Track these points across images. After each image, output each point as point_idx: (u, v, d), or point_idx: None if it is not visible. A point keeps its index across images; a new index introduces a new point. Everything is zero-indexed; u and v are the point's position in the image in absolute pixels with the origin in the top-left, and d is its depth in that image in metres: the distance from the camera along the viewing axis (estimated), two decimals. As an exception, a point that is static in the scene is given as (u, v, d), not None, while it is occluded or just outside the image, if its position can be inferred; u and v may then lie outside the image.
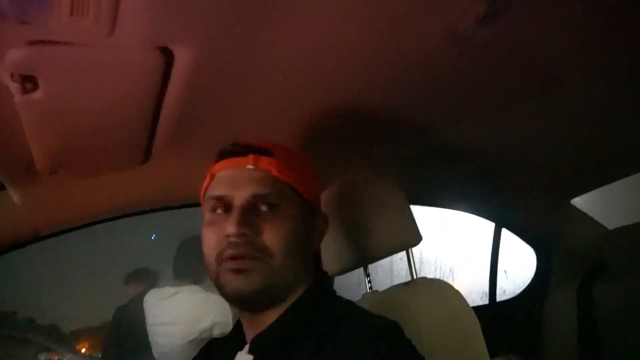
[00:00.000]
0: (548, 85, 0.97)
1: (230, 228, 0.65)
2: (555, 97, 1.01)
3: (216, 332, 1.92)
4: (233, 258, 0.65)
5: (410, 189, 1.31)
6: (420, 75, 0.87)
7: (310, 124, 0.98)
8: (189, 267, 2.03)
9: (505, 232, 1.79)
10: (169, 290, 2.01)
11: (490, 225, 1.78)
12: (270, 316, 0.70)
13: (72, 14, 0.53)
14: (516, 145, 1.30)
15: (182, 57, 0.66)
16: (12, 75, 0.61)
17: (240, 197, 0.68)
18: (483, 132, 1.19)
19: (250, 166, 0.70)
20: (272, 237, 0.66)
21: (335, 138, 1.05)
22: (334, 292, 0.77)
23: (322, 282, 0.77)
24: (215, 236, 0.68)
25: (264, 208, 0.68)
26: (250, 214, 0.67)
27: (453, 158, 1.33)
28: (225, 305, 1.97)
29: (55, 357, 5.19)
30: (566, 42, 0.83)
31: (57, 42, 0.58)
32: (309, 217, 0.74)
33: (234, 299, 0.68)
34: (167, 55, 0.65)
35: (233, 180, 0.70)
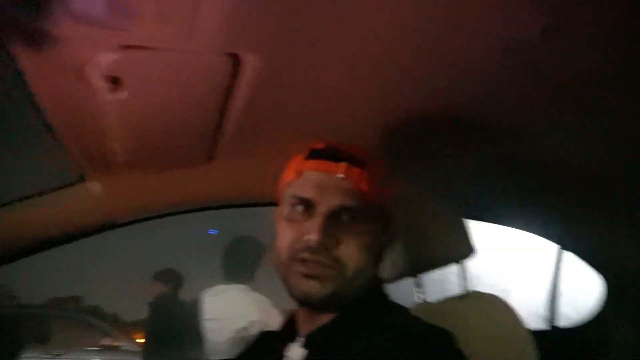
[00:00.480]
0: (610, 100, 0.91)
1: (313, 235, 0.66)
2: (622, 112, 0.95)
3: (254, 331, 1.98)
4: (306, 261, 0.67)
5: (470, 203, 1.28)
6: (481, 84, 0.85)
7: (372, 128, 0.98)
8: (237, 266, 2.10)
9: (568, 255, 1.69)
10: (218, 287, 2.10)
11: (552, 246, 1.69)
12: (328, 315, 0.72)
13: (157, 21, 0.59)
14: (586, 162, 1.23)
15: (249, 62, 0.70)
16: (102, 76, 0.69)
17: (326, 204, 0.69)
18: (549, 146, 1.14)
19: (341, 175, 0.70)
20: (349, 250, 0.68)
21: (396, 143, 1.05)
22: (388, 297, 0.78)
23: (380, 287, 0.78)
24: (294, 235, 0.70)
25: (345, 218, 0.69)
26: (332, 223, 0.68)
27: (517, 173, 1.28)
28: (265, 306, 2.03)
29: (115, 344, 5.52)
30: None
31: (143, 47, 0.64)
32: (384, 230, 0.75)
33: (302, 302, 0.71)
34: (236, 61, 0.69)
35: (321, 185, 0.70)
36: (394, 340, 0.64)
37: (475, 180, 1.31)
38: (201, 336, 2.06)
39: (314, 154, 0.74)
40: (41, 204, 1.02)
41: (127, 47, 0.64)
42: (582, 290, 1.79)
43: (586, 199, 1.41)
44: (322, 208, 0.68)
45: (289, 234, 0.70)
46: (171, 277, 2.96)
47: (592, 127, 1.02)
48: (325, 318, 0.72)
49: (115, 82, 0.70)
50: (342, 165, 0.71)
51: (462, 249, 0.95)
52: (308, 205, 0.70)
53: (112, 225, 1.13)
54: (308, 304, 0.70)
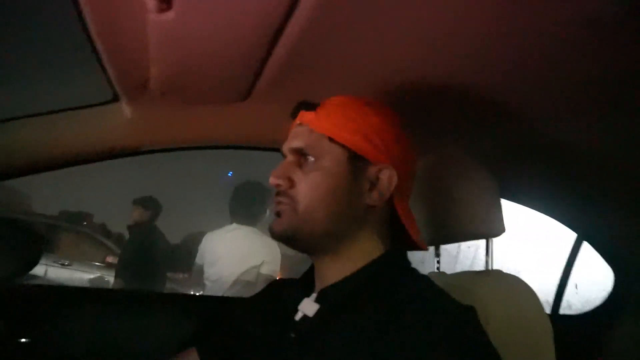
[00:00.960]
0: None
1: (270, 178, 0.74)
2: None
3: (264, 271, 2.02)
4: (276, 203, 0.74)
5: (498, 179, 1.25)
6: (539, 62, 0.80)
7: (414, 91, 0.94)
8: (244, 209, 2.13)
9: (584, 245, 1.67)
10: (230, 226, 2.13)
11: (569, 234, 1.66)
12: (335, 268, 0.72)
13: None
14: (622, 153, 1.18)
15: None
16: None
17: (285, 151, 0.76)
18: (588, 131, 1.09)
19: (298, 122, 0.77)
20: (301, 186, 0.71)
21: (436, 111, 1.01)
22: (410, 263, 0.76)
23: (399, 251, 0.76)
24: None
25: (301, 161, 0.74)
26: (292, 167, 0.74)
27: (549, 156, 1.24)
28: (275, 248, 2.07)
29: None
30: None
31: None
32: (357, 169, 0.72)
33: (271, 237, 0.75)
34: None
35: (290, 136, 0.78)
36: (412, 309, 0.62)
37: (506, 159, 1.28)
38: (168, 267, 2.15)
39: (293, 112, 0.79)
40: (73, 119, 1.00)
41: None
42: (591, 281, 1.79)
43: (607, 190, 1.37)
44: (285, 154, 0.76)
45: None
46: (150, 204, 3.05)
47: (622, 121, 0.98)
48: (337, 274, 0.71)
49: (164, 0, 0.66)
50: (301, 113, 0.77)
51: (491, 226, 0.93)
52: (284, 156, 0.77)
53: (138, 152, 1.12)
54: (277, 240, 0.74)
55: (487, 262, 0.96)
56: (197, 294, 2.21)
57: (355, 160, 0.72)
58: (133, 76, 0.88)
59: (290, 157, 0.74)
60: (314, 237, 0.71)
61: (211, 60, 0.81)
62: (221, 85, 0.92)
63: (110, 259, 5.74)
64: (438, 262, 1.08)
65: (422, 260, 1.34)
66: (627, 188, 1.33)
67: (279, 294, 0.84)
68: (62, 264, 5.32)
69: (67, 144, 1.04)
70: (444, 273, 1.04)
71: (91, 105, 1.00)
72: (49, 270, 5.17)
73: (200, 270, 2.11)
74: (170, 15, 0.68)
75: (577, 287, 1.78)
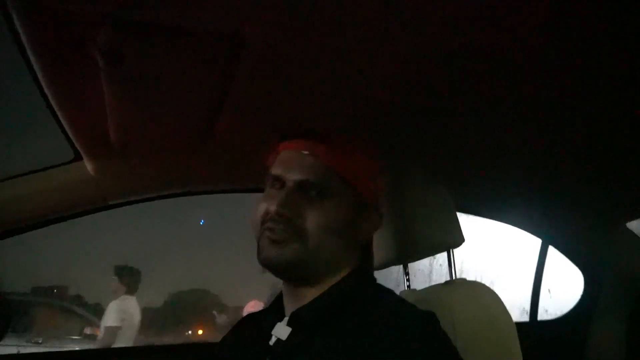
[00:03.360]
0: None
1: (272, 207, 0.71)
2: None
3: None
4: (272, 230, 0.71)
5: (457, 194, 1.30)
6: (486, 69, 0.84)
7: (365, 114, 0.98)
8: None
9: (552, 250, 1.74)
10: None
11: (536, 241, 1.73)
12: (311, 293, 0.74)
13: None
14: (575, 158, 1.24)
15: (252, 40, 0.70)
16: (101, 50, 0.69)
17: (290, 180, 0.74)
18: (538, 139, 1.15)
19: (305, 151, 0.75)
20: (311, 221, 0.71)
21: (387, 131, 1.05)
22: (375, 279, 0.80)
23: (365, 269, 0.80)
24: (264, 207, 0.74)
25: (312, 193, 0.73)
26: (297, 196, 0.72)
27: (503, 166, 1.30)
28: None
29: (98, 332, 5.48)
30: None
31: (144, 23, 0.65)
32: (358, 208, 0.76)
33: (265, 265, 0.73)
34: (238, 38, 0.69)
35: (289, 162, 0.76)
36: (379, 321, 0.66)
37: (464, 173, 1.33)
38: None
39: (286, 135, 0.80)
40: (37, 180, 1.02)
41: (128, 22, 0.64)
42: (562, 285, 1.84)
43: (567, 195, 1.45)
44: (289, 183, 0.74)
45: (262, 206, 0.74)
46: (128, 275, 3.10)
47: (579, 121, 1.03)
48: (309, 296, 0.73)
49: (115, 58, 0.70)
50: (303, 141, 0.76)
51: (452, 238, 0.98)
52: (280, 182, 0.75)
53: (105, 207, 1.13)
54: (271, 268, 0.73)
55: (450, 272, 1.01)
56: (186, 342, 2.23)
57: (359, 201, 0.76)
58: (92, 133, 0.91)
59: (292, 186, 0.73)
60: (317, 269, 0.73)
61: (165, 108, 0.86)
62: (180, 131, 0.96)
63: (88, 331, 5.48)
64: (407, 279, 1.11)
65: (397, 284, 1.37)
66: (588, 190, 1.41)
67: (252, 325, 0.86)
68: (34, 342, 5.05)
69: (34, 206, 1.05)
70: (414, 290, 1.07)
71: (54, 166, 1.02)
72: (21, 351, 4.88)
73: None
74: (121, 69, 0.73)
75: (550, 292, 1.83)
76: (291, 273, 0.73)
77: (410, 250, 0.97)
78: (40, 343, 5.08)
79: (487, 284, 0.98)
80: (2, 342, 1.04)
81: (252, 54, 0.73)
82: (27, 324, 5.25)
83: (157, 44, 0.69)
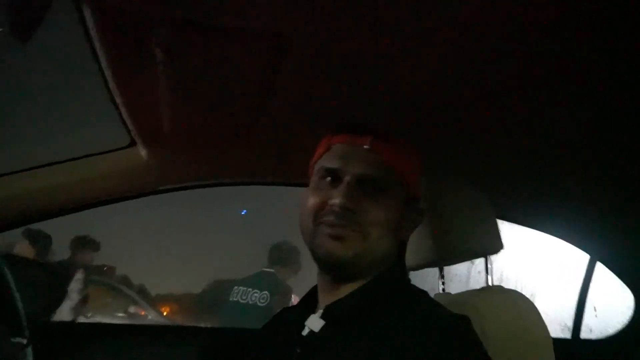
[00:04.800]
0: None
1: (337, 199, 0.70)
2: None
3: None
4: (332, 225, 0.70)
5: (501, 201, 1.27)
6: (522, 80, 0.84)
7: (410, 115, 0.98)
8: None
9: (600, 267, 1.66)
10: None
11: (584, 256, 1.65)
12: (347, 288, 0.74)
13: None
14: (630, 174, 1.18)
15: (297, 40, 0.72)
16: (161, 47, 0.74)
17: (350, 173, 0.73)
18: (592, 150, 1.10)
19: (366, 146, 0.75)
20: (371, 216, 0.71)
21: (430, 132, 1.05)
22: (409, 280, 0.80)
23: (401, 268, 0.81)
24: (319, 200, 0.73)
25: (369, 188, 0.73)
26: (357, 191, 0.72)
27: (552, 176, 1.26)
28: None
29: (142, 312, 5.76)
30: None
31: (200, 22, 0.69)
32: (406, 207, 0.77)
33: (326, 262, 0.73)
34: (284, 39, 0.72)
35: (347, 156, 0.75)
36: (411, 321, 0.66)
37: (512, 181, 1.30)
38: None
39: (341, 128, 0.78)
40: (94, 164, 1.09)
41: (186, 21, 0.68)
42: (610, 304, 1.75)
43: (619, 211, 1.38)
44: (348, 177, 0.72)
45: (315, 200, 0.74)
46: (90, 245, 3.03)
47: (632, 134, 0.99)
48: (345, 291, 0.74)
49: (171, 54, 0.75)
50: (367, 138, 0.75)
51: (489, 244, 0.96)
52: (335, 176, 0.74)
53: (155, 192, 1.20)
54: (331, 264, 0.72)
55: (487, 279, 0.99)
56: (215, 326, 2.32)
57: (410, 200, 0.77)
58: (148, 122, 0.97)
59: (352, 180, 0.72)
60: (370, 264, 0.73)
61: (215, 102, 0.90)
62: (227, 124, 1.01)
63: (132, 310, 5.76)
64: (443, 283, 1.10)
65: (432, 287, 1.35)
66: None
67: (286, 317, 0.88)
68: (85, 316, 5.37)
69: (89, 187, 1.13)
70: (448, 293, 1.06)
71: (111, 151, 1.10)
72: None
73: None
74: (177, 65, 0.77)
75: (596, 310, 1.75)
76: (349, 269, 0.73)
77: (447, 253, 0.96)
78: (89, 317, 5.40)
79: (528, 295, 0.96)
80: (57, 312, 1.13)
81: (297, 52, 0.75)
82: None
83: (209, 42, 0.73)
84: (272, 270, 2.62)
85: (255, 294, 2.45)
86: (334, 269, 0.74)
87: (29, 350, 0.85)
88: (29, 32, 0.60)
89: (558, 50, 0.75)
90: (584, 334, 1.67)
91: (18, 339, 0.81)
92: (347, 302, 0.73)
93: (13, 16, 0.56)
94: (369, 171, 0.73)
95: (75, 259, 2.96)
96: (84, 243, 3.03)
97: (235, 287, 2.51)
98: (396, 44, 0.74)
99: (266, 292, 2.46)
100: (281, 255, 2.68)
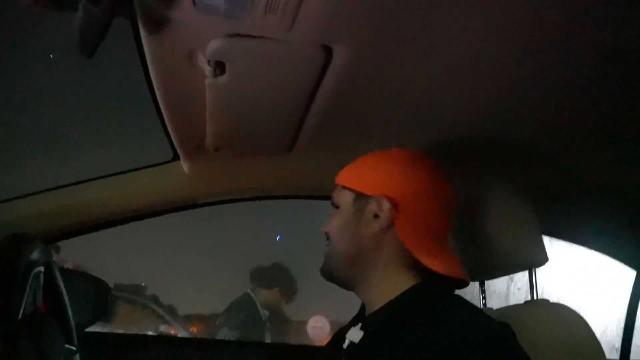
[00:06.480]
0: None
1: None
2: None
3: None
4: None
5: (543, 216, 1.24)
6: (566, 95, 0.85)
7: (453, 132, 0.99)
8: None
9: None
10: None
11: (630, 273, 1.58)
12: (378, 300, 0.78)
13: (265, 11, 0.66)
14: None
15: (341, 55, 0.75)
16: (209, 61, 0.77)
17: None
18: (631, 162, 1.08)
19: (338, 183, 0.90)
20: (330, 226, 0.85)
21: (473, 152, 1.05)
22: (443, 288, 0.78)
23: (431, 279, 0.79)
24: None
25: (334, 211, 0.87)
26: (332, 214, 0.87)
27: (594, 190, 1.23)
28: None
29: (172, 331, 5.82)
30: None
31: (247, 36, 0.71)
32: (359, 206, 0.82)
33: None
34: (328, 53, 0.75)
35: None
36: (453, 328, 0.66)
37: (555, 195, 1.27)
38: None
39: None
40: (137, 178, 1.13)
41: (234, 35, 0.71)
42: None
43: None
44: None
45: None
46: None
47: None
48: (377, 304, 0.77)
49: (218, 67, 0.78)
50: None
51: (534, 256, 0.94)
52: None
53: (195, 205, 1.23)
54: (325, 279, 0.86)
55: (531, 293, 0.96)
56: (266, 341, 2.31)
57: (358, 199, 0.83)
58: (192, 136, 1.01)
59: (333, 209, 0.88)
60: (340, 268, 0.83)
61: (258, 116, 0.93)
62: (267, 138, 1.03)
63: (162, 328, 5.82)
64: (484, 297, 1.07)
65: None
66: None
67: (339, 333, 0.91)
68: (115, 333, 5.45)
69: (131, 201, 1.17)
70: (490, 308, 1.04)
71: (154, 165, 1.13)
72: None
73: None
74: (224, 78, 0.80)
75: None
76: (330, 279, 0.86)
77: (490, 266, 0.94)
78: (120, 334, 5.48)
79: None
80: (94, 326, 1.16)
81: (338, 68, 0.77)
82: (111, 315, 5.68)
83: (256, 55, 0.75)
84: (247, 291, 2.60)
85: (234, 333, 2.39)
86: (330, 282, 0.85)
87: (77, 357, 0.88)
88: (93, 46, 0.63)
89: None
90: (635, 355, 1.58)
91: (69, 346, 0.84)
92: (379, 316, 0.76)
93: (80, 32, 0.59)
94: (332, 199, 0.88)
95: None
96: None
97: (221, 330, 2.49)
98: (442, 64, 0.75)
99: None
100: (263, 276, 2.70)
